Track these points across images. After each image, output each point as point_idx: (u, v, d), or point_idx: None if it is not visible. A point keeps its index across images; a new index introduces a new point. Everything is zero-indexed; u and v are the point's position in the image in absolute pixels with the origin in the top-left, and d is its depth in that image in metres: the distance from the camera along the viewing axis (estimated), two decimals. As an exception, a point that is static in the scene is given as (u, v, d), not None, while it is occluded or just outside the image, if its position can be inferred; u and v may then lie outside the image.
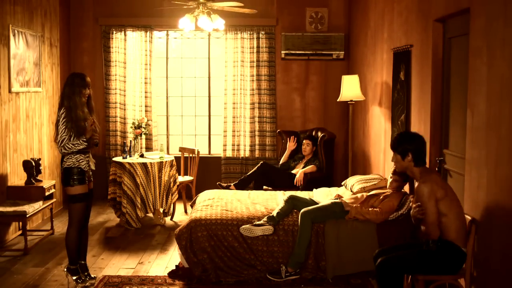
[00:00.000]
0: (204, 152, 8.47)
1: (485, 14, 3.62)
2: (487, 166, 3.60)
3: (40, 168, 6.27)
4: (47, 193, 6.15)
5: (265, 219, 4.97)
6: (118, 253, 5.63)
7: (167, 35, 8.44)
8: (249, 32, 8.10)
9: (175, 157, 7.43)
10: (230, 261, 4.87)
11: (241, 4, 6.41)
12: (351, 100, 6.69)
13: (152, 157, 6.85)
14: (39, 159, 6.29)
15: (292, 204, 5.15)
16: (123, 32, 8.11)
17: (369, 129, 6.93)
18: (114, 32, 8.11)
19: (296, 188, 6.67)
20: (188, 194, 7.81)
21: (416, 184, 3.81)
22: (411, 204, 3.90)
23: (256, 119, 8.17)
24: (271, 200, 5.71)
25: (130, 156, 6.86)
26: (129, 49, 8.15)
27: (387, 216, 4.90)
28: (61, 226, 6.56)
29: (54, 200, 6.42)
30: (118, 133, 8.20)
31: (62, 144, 4.48)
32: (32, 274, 5.00)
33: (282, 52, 8.09)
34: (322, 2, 8.16)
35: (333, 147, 7.19)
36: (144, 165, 6.59)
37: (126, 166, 6.55)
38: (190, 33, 8.26)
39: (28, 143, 6.53)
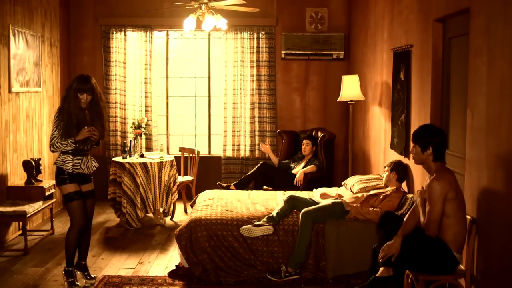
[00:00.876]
0: (204, 152, 8.47)
1: (485, 14, 3.62)
2: (487, 166, 3.60)
3: (40, 168, 6.27)
4: (47, 193, 6.14)
5: (265, 219, 4.97)
6: (118, 253, 5.63)
7: (167, 35, 8.44)
8: (249, 32, 8.10)
9: (175, 157, 7.43)
10: (230, 261, 4.87)
11: (243, 2, 6.40)
12: (351, 100, 6.69)
13: (152, 157, 6.85)
14: (39, 159, 6.30)
15: (292, 204, 5.15)
16: (123, 32, 8.11)
17: (369, 129, 6.93)
18: (114, 32, 8.11)
19: (296, 188, 6.67)
20: (188, 194, 7.81)
21: (428, 179, 3.80)
22: (415, 198, 3.90)
23: (256, 119, 8.17)
24: (271, 200, 5.71)
25: (130, 156, 6.86)
26: (129, 49, 8.16)
27: (387, 216, 4.90)
28: (61, 226, 6.56)
29: (54, 200, 6.42)
30: (118, 133, 8.20)
31: (51, 142, 4.50)
32: (32, 274, 5.00)
33: (282, 52, 8.10)
34: (322, 2, 8.16)
35: (333, 147, 7.19)
36: (144, 165, 6.59)
37: (126, 166, 6.55)
38: (190, 33, 8.26)
39: (28, 143, 6.53)
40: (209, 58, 8.48)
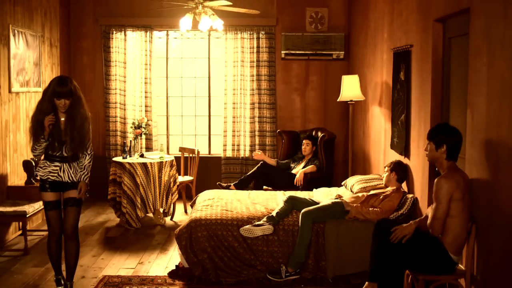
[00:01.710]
0: (204, 152, 8.47)
1: (485, 14, 3.62)
2: (487, 166, 3.60)
3: (40, 168, 6.26)
4: (47, 193, 6.13)
5: (264, 219, 4.97)
6: (118, 253, 5.63)
7: (167, 35, 8.44)
8: (249, 32, 8.10)
9: (175, 157, 7.43)
10: (230, 261, 4.87)
11: (231, 5, 6.39)
12: (351, 100, 6.69)
13: (152, 157, 6.85)
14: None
15: (292, 204, 5.16)
16: (123, 32, 8.11)
17: (369, 129, 6.93)
18: (114, 32, 8.11)
19: (296, 188, 6.67)
20: (188, 194, 7.81)
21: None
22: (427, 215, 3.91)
23: (256, 119, 8.17)
24: (271, 200, 5.71)
25: (130, 156, 6.86)
26: (129, 49, 8.16)
27: (388, 216, 4.90)
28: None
29: (54, 200, 6.41)
30: (118, 133, 8.20)
31: (30, 147, 4.29)
32: (32, 274, 5.00)
33: (282, 52, 8.10)
34: (322, 2, 8.16)
35: (333, 147, 7.19)
36: (144, 165, 6.59)
37: (126, 166, 6.55)
38: (190, 33, 8.26)
39: (28, 143, 6.53)
40: (209, 58, 8.48)
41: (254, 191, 6.36)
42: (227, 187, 6.78)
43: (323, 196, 5.73)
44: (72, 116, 4.22)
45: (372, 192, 5.29)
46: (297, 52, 8.08)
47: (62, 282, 4.49)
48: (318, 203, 5.20)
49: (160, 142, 8.24)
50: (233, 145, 8.24)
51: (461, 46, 4.24)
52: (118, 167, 6.64)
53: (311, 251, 4.87)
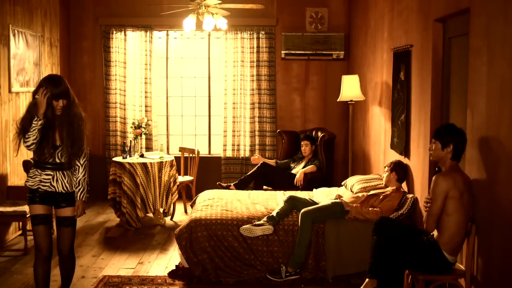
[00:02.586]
0: (204, 152, 8.47)
1: (485, 14, 3.62)
2: (487, 166, 3.60)
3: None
4: (47, 193, 6.13)
5: (265, 219, 4.97)
6: (118, 253, 5.63)
7: (167, 35, 8.44)
8: (249, 32, 8.10)
9: (175, 157, 7.43)
10: (230, 261, 4.87)
11: (251, 5, 6.40)
12: (351, 100, 6.69)
13: (152, 157, 6.85)
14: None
15: (292, 204, 5.15)
16: (123, 32, 8.11)
17: (369, 129, 6.93)
18: (114, 32, 8.11)
19: (296, 188, 6.67)
20: (188, 194, 7.81)
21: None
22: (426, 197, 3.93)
23: (256, 119, 8.17)
24: (271, 200, 5.71)
25: (130, 156, 6.86)
26: (129, 49, 8.16)
27: (387, 216, 4.90)
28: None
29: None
30: (118, 133, 8.20)
31: (24, 143, 3.77)
32: (32, 274, 4.99)
33: (282, 52, 8.09)
34: (322, 2, 8.16)
35: (333, 147, 7.19)
36: (144, 165, 6.59)
37: (126, 166, 6.55)
38: (190, 33, 8.26)
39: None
40: (209, 58, 8.48)
41: (254, 191, 6.36)
42: (227, 187, 6.78)
43: (323, 196, 5.73)
44: (69, 117, 3.80)
45: (372, 192, 5.29)
46: (297, 52, 8.08)
47: None
48: (318, 203, 5.20)
49: (160, 142, 8.24)
50: (233, 145, 8.24)
51: (461, 46, 4.24)
52: (118, 167, 6.64)
53: (311, 251, 4.87)
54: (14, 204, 5.73)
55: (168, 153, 8.45)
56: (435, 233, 3.86)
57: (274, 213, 5.01)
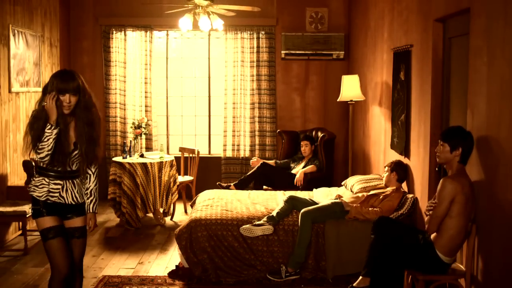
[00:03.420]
0: (204, 152, 8.47)
1: (485, 14, 3.62)
2: (487, 166, 3.60)
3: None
4: (47, 193, 6.13)
5: (265, 219, 4.97)
6: (118, 253, 5.63)
7: (167, 35, 8.44)
8: (249, 32, 8.10)
9: (175, 157, 7.43)
10: (230, 261, 4.87)
11: (240, 8, 6.40)
12: (351, 100, 6.69)
13: (152, 157, 6.85)
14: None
15: (292, 204, 5.15)
16: (123, 32, 8.11)
17: (369, 129, 6.93)
18: (114, 32, 8.11)
19: (296, 188, 6.67)
20: (188, 194, 7.81)
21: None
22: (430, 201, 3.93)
23: (256, 119, 8.17)
24: (271, 200, 5.71)
25: (130, 156, 6.86)
26: (129, 49, 8.16)
27: (387, 216, 4.90)
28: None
29: (54, 200, 6.40)
30: (118, 133, 8.19)
31: (34, 150, 3.32)
32: (32, 274, 5.00)
33: (282, 52, 8.09)
34: (322, 2, 8.16)
35: (333, 147, 7.18)
36: (144, 165, 6.59)
37: (126, 166, 6.55)
38: (190, 33, 8.25)
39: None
40: (209, 58, 8.48)
41: (254, 191, 6.36)
42: (227, 187, 6.78)
43: (323, 196, 5.73)
44: (86, 118, 3.36)
45: (372, 192, 5.29)
46: (297, 52, 8.08)
47: None
48: (318, 203, 5.20)
49: (160, 142, 8.24)
50: (233, 145, 8.24)
51: (461, 46, 4.24)
52: (118, 167, 6.64)
53: (311, 251, 4.87)
54: (14, 204, 5.73)
55: (168, 153, 8.45)
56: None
57: (274, 213, 5.01)
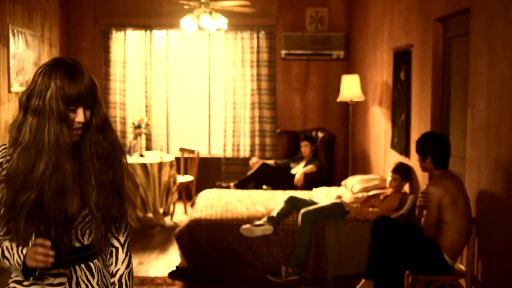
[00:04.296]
0: (204, 152, 8.46)
1: (485, 13, 3.61)
2: (488, 166, 3.60)
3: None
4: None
5: (265, 219, 4.96)
6: (118, 253, 5.61)
7: (167, 35, 8.44)
8: (249, 32, 8.09)
9: (175, 157, 7.43)
10: (230, 262, 4.86)
11: (247, 3, 6.39)
12: (351, 100, 6.68)
13: (152, 157, 6.84)
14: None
15: (292, 204, 5.15)
16: (123, 32, 8.11)
17: (369, 129, 6.93)
18: (114, 32, 8.11)
19: (296, 188, 6.66)
20: (188, 194, 7.80)
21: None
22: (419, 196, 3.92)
23: (256, 119, 8.17)
24: (271, 200, 5.71)
25: (130, 156, 6.86)
26: (129, 49, 8.15)
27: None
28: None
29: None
30: (118, 133, 8.19)
31: None
32: (31, 274, 4.99)
33: (282, 52, 8.09)
34: (322, 2, 8.15)
35: (333, 147, 7.18)
36: (143, 165, 6.58)
37: (126, 166, 6.53)
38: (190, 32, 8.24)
39: None
40: (209, 58, 8.47)
41: (254, 191, 6.35)
42: (227, 187, 6.77)
43: (323, 196, 5.73)
44: (101, 149, 1.83)
45: (372, 192, 5.28)
46: (297, 52, 8.07)
47: None
48: (318, 203, 5.19)
49: (160, 142, 8.23)
50: (233, 145, 8.23)
51: (462, 46, 4.23)
52: (118, 167, 6.62)
53: (311, 251, 4.87)
54: (13, 204, 5.72)
55: (168, 153, 8.44)
56: None
57: (274, 213, 5.01)
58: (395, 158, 5.57)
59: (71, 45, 8.16)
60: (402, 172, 5.13)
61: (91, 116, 1.82)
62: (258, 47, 8.11)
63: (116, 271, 2.02)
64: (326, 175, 6.91)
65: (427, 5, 4.73)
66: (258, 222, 4.93)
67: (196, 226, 4.94)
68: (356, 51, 7.72)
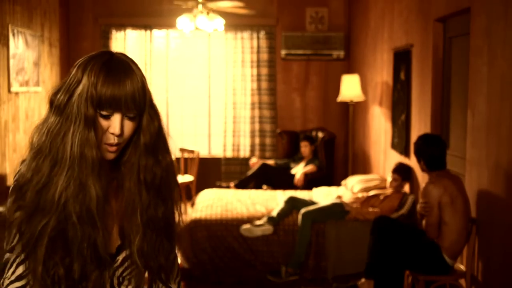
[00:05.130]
0: (204, 152, 8.46)
1: (485, 13, 3.61)
2: (488, 166, 3.60)
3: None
4: (46, 193, 6.12)
5: (265, 219, 4.96)
6: (117, 253, 5.61)
7: (167, 35, 8.43)
8: (249, 32, 8.09)
9: (175, 157, 7.41)
10: (230, 262, 4.86)
11: (243, 4, 6.40)
12: (351, 100, 6.68)
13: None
14: None
15: (292, 204, 5.15)
16: (123, 32, 8.11)
17: (369, 129, 6.92)
18: (114, 32, 8.11)
19: (296, 188, 6.66)
20: (188, 194, 7.80)
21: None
22: (419, 201, 3.92)
23: (256, 119, 8.16)
24: (271, 200, 5.70)
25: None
26: (129, 49, 8.15)
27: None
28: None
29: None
30: (118, 133, 8.18)
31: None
32: (31, 274, 4.98)
33: (282, 52, 8.08)
34: (322, 2, 8.15)
35: (333, 147, 7.18)
36: (144, 165, 6.57)
37: (125, 166, 6.53)
38: (190, 33, 8.24)
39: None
40: (209, 58, 8.47)
41: (254, 191, 6.35)
42: (227, 187, 6.77)
43: (323, 196, 5.73)
44: (151, 175, 1.41)
45: (372, 192, 5.28)
46: (297, 52, 8.07)
47: None
48: (318, 203, 5.19)
49: (160, 142, 8.22)
50: (233, 145, 8.23)
51: (462, 46, 4.23)
52: (118, 167, 6.62)
53: (311, 251, 4.86)
54: (13, 204, 5.72)
55: (168, 153, 8.43)
56: None
57: (274, 213, 5.00)
58: (395, 158, 5.56)
59: (71, 45, 8.15)
60: (403, 172, 5.13)
61: (138, 130, 1.42)
62: (258, 47, 8.11)
63: None
64: (326, 175, 6.91)
65: (427, 5, 4.73)
66: (258, 222, 4.93)
67: (196, 226, 4.93)
68: (356, 51, 7.72)
